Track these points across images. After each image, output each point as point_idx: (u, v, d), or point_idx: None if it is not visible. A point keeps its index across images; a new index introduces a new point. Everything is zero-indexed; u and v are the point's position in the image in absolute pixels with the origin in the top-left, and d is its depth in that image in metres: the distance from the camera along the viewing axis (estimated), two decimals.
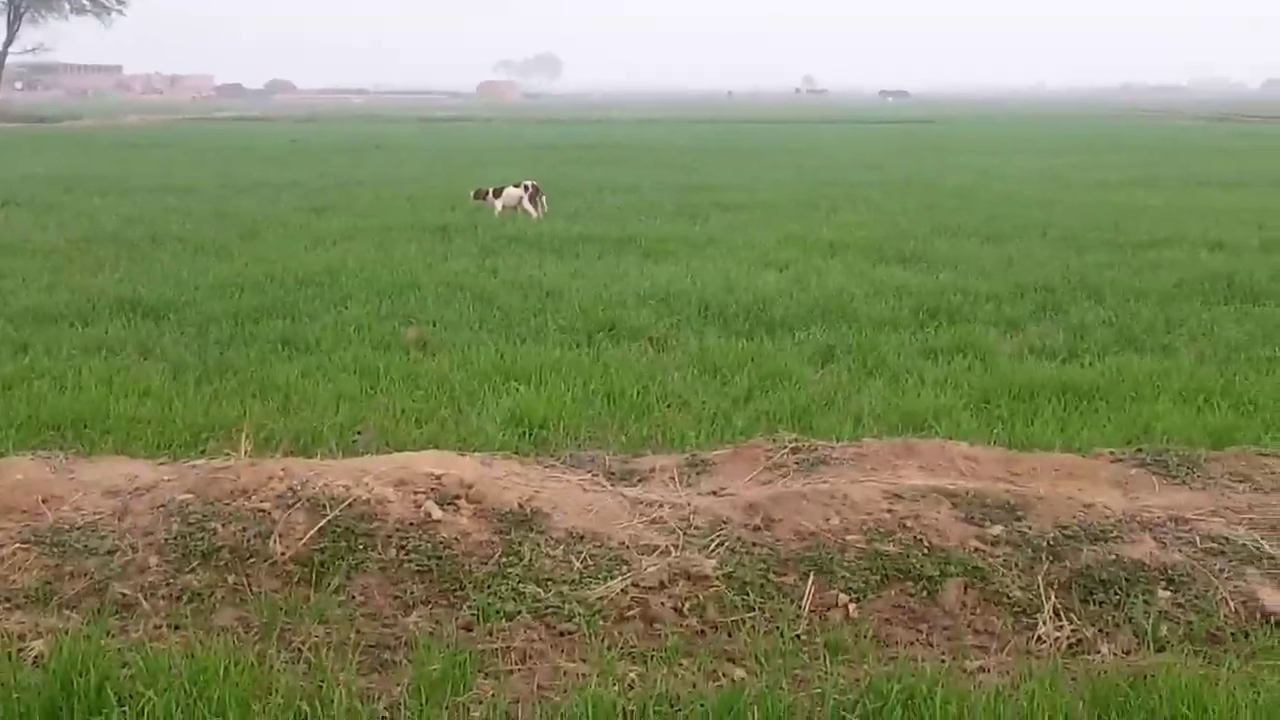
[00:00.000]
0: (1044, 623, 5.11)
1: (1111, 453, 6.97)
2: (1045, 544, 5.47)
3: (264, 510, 5.62)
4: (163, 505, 5.73)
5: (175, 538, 5.51)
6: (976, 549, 5.46)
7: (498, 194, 19.87)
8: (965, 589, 5.29)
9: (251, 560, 5.41)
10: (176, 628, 5.05)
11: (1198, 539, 5.53)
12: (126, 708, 4.31)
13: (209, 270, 14.29)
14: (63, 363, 9.53)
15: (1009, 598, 5.24)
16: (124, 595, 5.25)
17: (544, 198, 19.97)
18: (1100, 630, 5.09)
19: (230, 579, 5.34)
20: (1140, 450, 7.02)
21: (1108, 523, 5.63)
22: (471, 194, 20.46)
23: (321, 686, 4.54)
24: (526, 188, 19.83)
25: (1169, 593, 5.21)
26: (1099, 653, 4.95)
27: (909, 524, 5.59)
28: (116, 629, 5.01)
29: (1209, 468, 6.67)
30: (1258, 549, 5.45)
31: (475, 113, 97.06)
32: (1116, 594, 5.21)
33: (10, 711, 4.30)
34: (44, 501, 5.81)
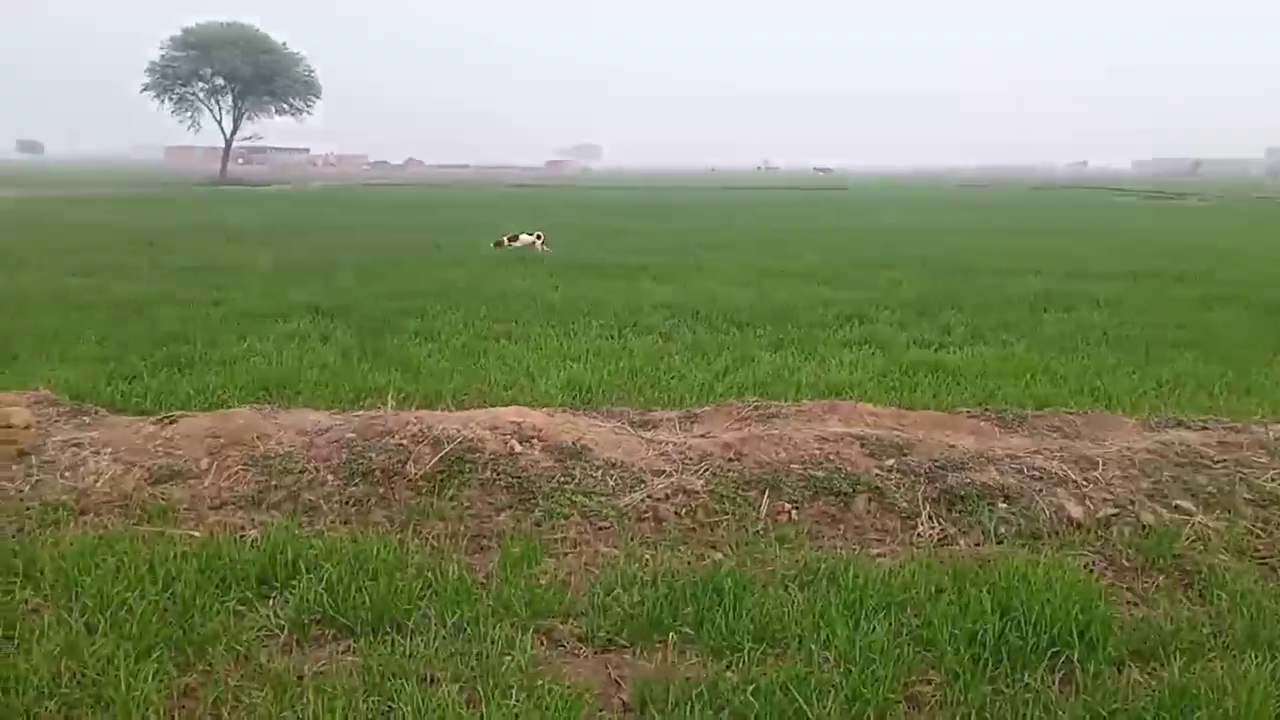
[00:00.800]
0: (922, 524, 5.11)
1: (968, 411, 6.95)
2: (923, 471, 5.46)
3: (403, 444, 5.64)
4: (336, 441, 5.75)
5: (344, 463, 5.53)
6: (877, 474, 5.45)
7: (514, 240, 19.64)
8: (869, 501, 5.29)
9: (395, 478, 5.43)
10: (345, 523, 5.08)
11: (1025, 469, 5.51)
12: (312, 575, 4.34)
13: (367, 285, 14.30)
14: (270, 345, 9.55)
15: (899, 507, 5.24)
16: (310, 501, 5.28)
17: (542, 243, 19.43)
18: (960, 530, 5.08)
19: (380, 490, 5.36)
20: (987, 409, 7.00)
21: (965, 457, 5.61)
22: (493, 244, 19.96)
23: (441, 562, 4.58)
24: (538, 236, 19.64)
25: (1005, 505, 5.20)
26: (959, 545, 4.95)
27: (832, 457, 5.58)
28: (305, 523, 5.04)
29: (1034, 422, 6.65)
30: (1065, 476, 5.44)
31: (544, 183, 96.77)
32: (971, 505, 5.20)
33: (235, 576, 4.34)
34: (257, 438, 5.84)
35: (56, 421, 6.28)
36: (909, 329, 11.15)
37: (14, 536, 4.83)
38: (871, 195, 64.18)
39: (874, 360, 9.34)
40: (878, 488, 5.36)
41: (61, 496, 5.24)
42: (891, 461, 5.57)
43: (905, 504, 5.26)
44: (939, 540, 5.01)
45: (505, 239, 19.73)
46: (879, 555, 4.83)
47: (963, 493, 5.28)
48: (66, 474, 5.47)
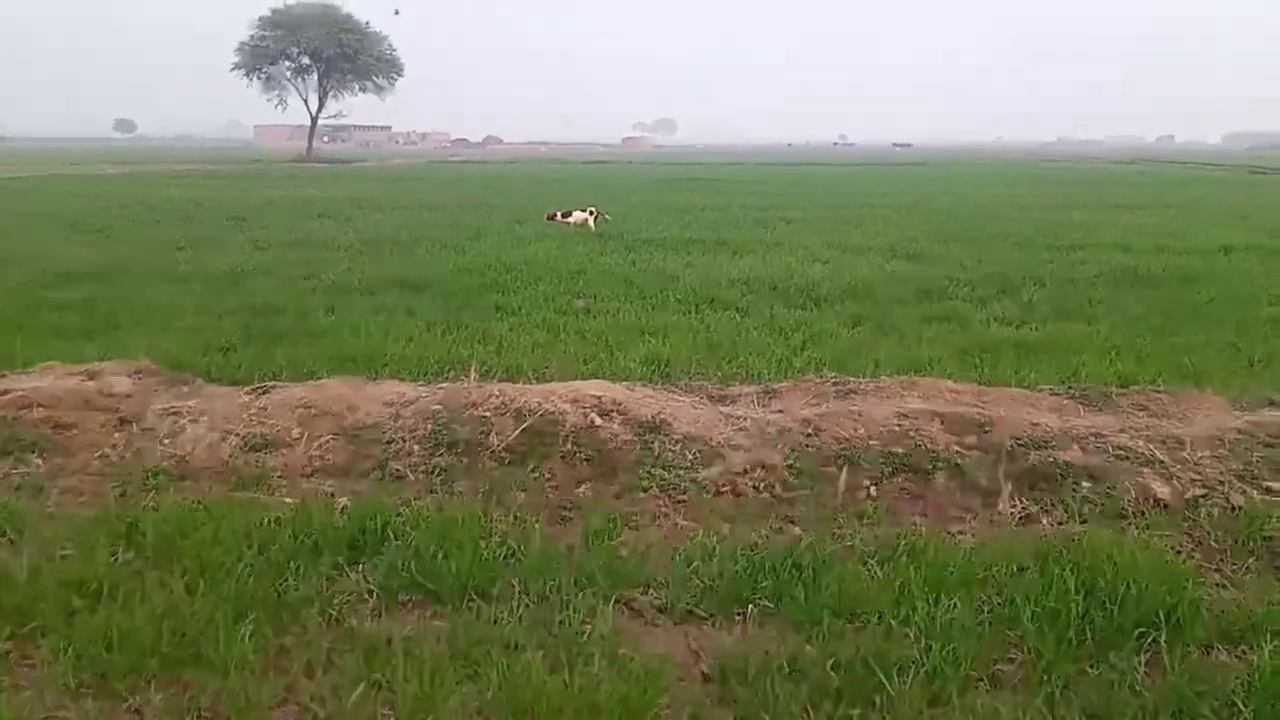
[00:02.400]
0: (1003, 503, 5.04)
1: (1051, 389, 6.80)
2: (1004, 449, 5.37)
3: (486, 417, 5.70)
4: (421, 412, 5.84)
5: (429, 433, 5.62)
6: (957, 451, 5.38)
7: (567, 215, 19.54)
8: (949, 478, 5.23)
9: (478, 449, 5.50)
10: (431, 492, 5.17)
11: (1110, 448, 5.39)
12: (400, 542, 4.43)
13: (449, 260, 14.46)
14: (357, 318, 9.71)
15: (979, 485, 5.17)
16: (397, 470, 5.38)
17: (594, 219, 19.14)
18: (1042, 508, 5.00)
19: (465, 461, 5.44)
20: (1071, 387, 6.84)
21: (1048, 435, 5.51)
22: (545, 216, 19.91)
23: (524, 532, 4.64)
24: (592, 211, 19.53)
25: (1089, 484, 5.10)
26: (1041, 524, 4.88)
27: (911, 434, 5.52)
28: (393, 492, 5.14)
29: (1118, 400, 6.48)
30: (1151, 455, 5.30)
31: (620, 158, 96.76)
32: (1053, 484, 5.12)
33: (327, 542, 4.44)
34: (347, 408, 5.95)
35: (156, 390, 6.46)
36: (990, 305, 10.95)
37: (117, 501, 5.00)
38: (952, 170, 63.07)
39: (954, 337, 9.19)
40: (958, 465, 5.29)
41: (161, 463, 5.41)
42: (972, 439, 5.49)
43: (986, 482, 5.18)
44: (1021, 519, 4.93)
45: (558, 214, 19.67)
46: (960, 533, 4.78)
47: (1045, 471, 5.19)
48: (166, 441, 5.64)
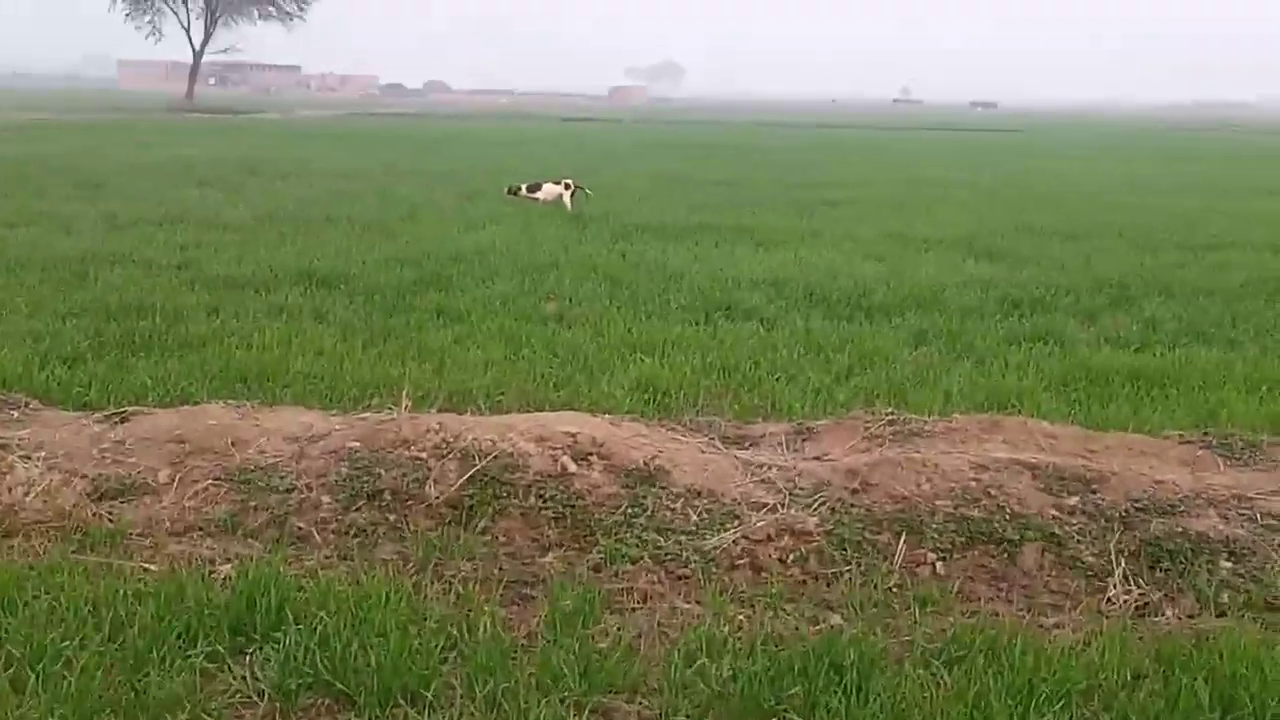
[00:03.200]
0: (1114, 586, 5.04)
1: (1180, 435, 6.84)
2: (1117, 515, 5.39)
3: (421, 459, 5.71)
4: (334, 451, 5.84)
5: (344, 480, 5.62)
6: (1054, 517, 5.40)
7: (534, 189, 19.58)
8: (1043, 553, 5.24)
9: (410, 502, 5.50)
10: (344, 558, 5.16)
11: (1258, 515, 5.41)
12: (301, 626, 4.41)
13: (374, 247, 14.50)
14: (249, 324, 9.72)
15: (1082, 562, 5.18)
16: (300, 528, 5.37)
17: (571, 194, 19.29)
18: (1166, 595, 5.01)
19: (391, 518, 5.44)
20: (1207, 433, 6.88)
21: (1175, 498, 5.53)
22: (505, 190, 19.96)
23: (469, 615, 4.63)
24: (568, 185, 19.61)
25: (1230, 563, 5.11)
26: (1164, 615, 4.88)
27: (993, 492, 5.54)
28: (293, 557, 5.13)
29: (1271, 451, 6.52)
30: None
31: (607, 114, 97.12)
32: (1182, 563, 5.12)
33: (203, 623, 4.42)
34: (233, 444, 5.95)
35: None
36: (1099, 321, 10.99)
37: None
38: (1049, 140, 63.43)
39: (1051, 362, 9.22)
40: (1055, 535, 5.29)
41: None
42: (1074, 500, 5.50)
43: (1092, 558, 5.19)
44: (1137, 608, 4.93)
45: (523, 187, 19.68)
46: (1055, 626, 4.77)
47: (1171, 545, 5.20)
48: None
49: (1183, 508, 5.45)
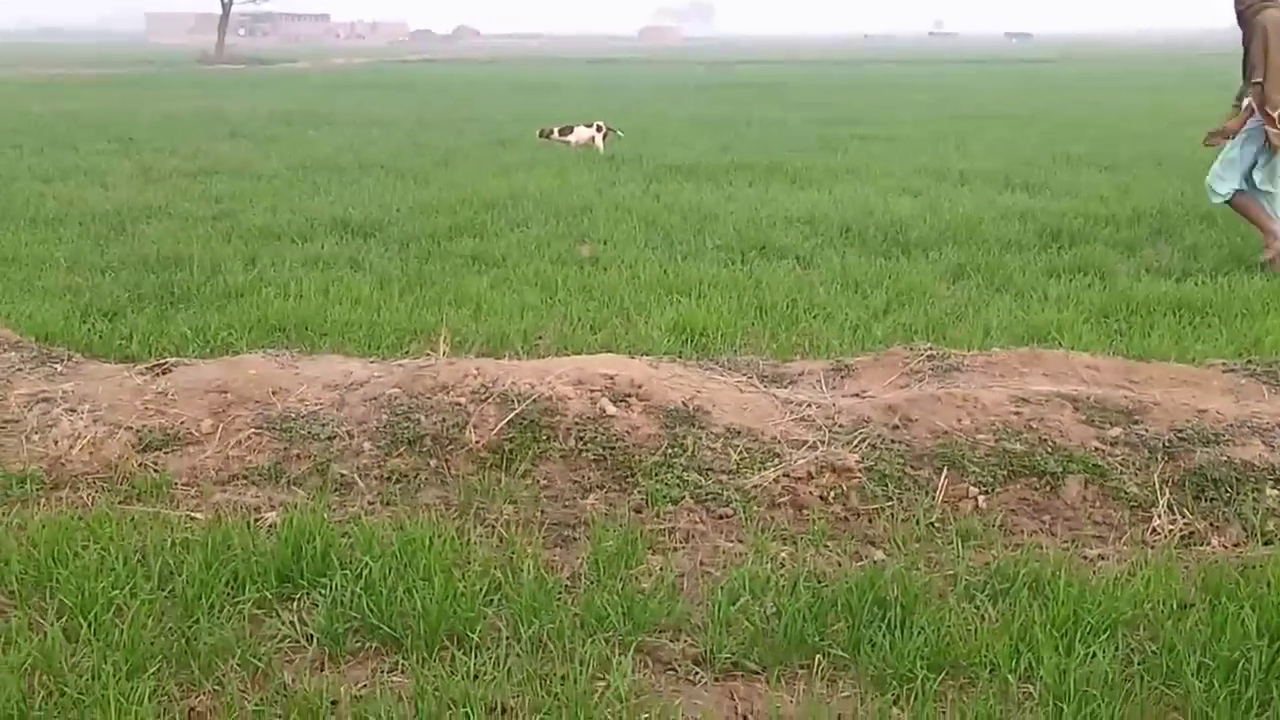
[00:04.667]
0: (1158, 516, 5.02)
1: (1223, 363, 6.78)
2: (1161, 445, 5.36)
3: (460, 404, 5.72)
4: (374, 398, 5.87)
5: (385, 426, 5.64)
6: (1096, 449, 5.37)
7: (566, 132, 19.54)
8: (1085, 485, 5.22)
9: (450, 447, 5.52)
10: (387, 504, 5.20)
11: None
12: (347, 571, 4.45)
13: (408, 194, 14.50)
14: (286, 273, 9.75)
15: (1126, 493, 5.16)
16: (342, 475, 5.40)
17: (604, 137, 19.29)
18: (1211, 524, 4.99)
19: (432, 463, 5.47)
20: (1250, 362, 6.81)
21: (1219, 427, 5.48)
22: (538, 134, 19.98)
23: (512, 558, 4.65)
24: (600, 127, 19.52)
25: (1276, 491, 5.07)
26: (1210, 545, 4.86)
27: (1034, 425, 5.51)
28: (336, 504, 5.17)
29: None
30: None
31: (637, 55, 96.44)
32: (1227, 492, 5.10)
33: (250, 570, 4.47)
34: (273, 393, 5.98)
35: (19, 370, 6.51)
36: (1139, 252, 10.88)
37: None
38: (1086, 70, 62.64)
39: (1091, 294, 9.15)
40: (1097, 466, 5.28)
41: (29, 466, 5.45)
42: (1117, 431, 5.47)
43: (1136, 489, 5.17)
44: (1182, 538, 4.92)
45: (555, 131, 19.65)
46: (1099, 558, 4.77)
47: (1215, 475, 5.17)
48: (34, 437, 5.68)
49: (1227, 436, 5.41)
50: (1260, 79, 9.69)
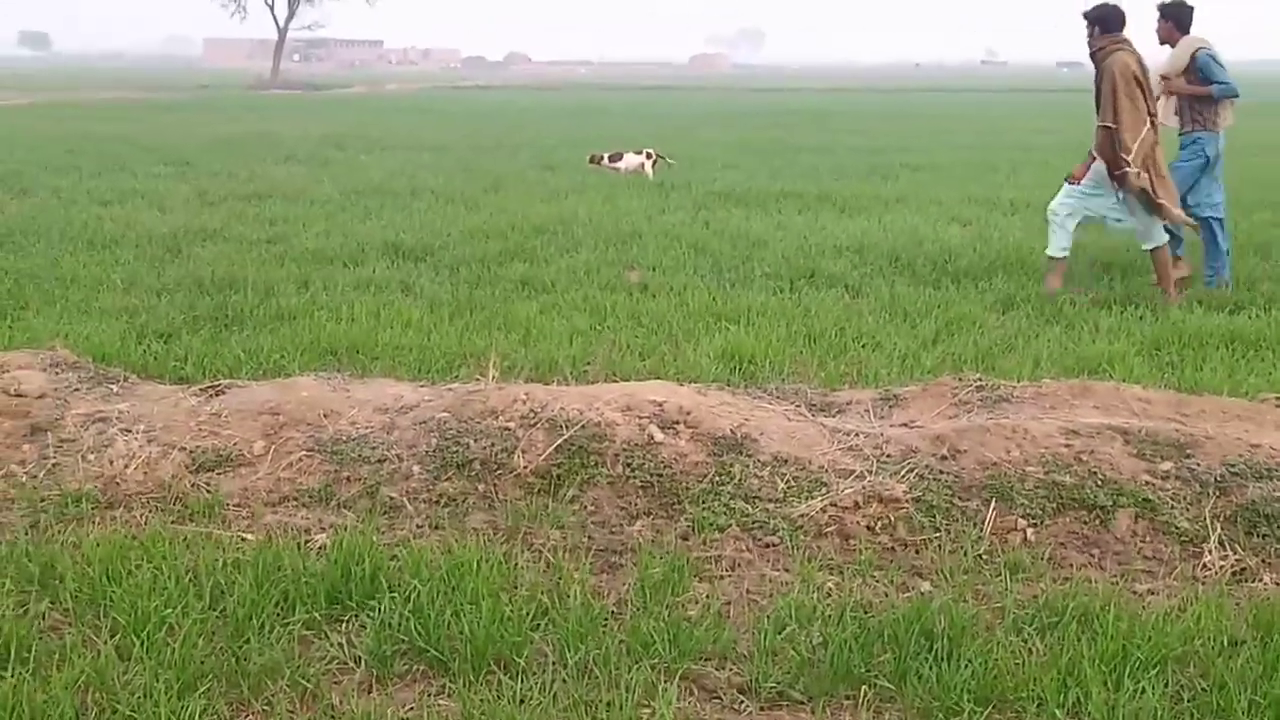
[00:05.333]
0: (1210, 552, 4.98)
1: (1277, 397, 6.70)
2: (1213, 480, 5.31)
3: (509, 428, 5.75)
4: (424, 422, 5.90)
5: (434, 450, 5.67)
6: (1147, 482, 5.33)
7: (616, 159, 19.57)
8: (1135, 519, 5.18)
9: (498, 471, 5.54)
10: (435, 527, 5.23)
11: None
12: (395, 594, 4.48)
13: (459, 219, 14.59)
14: (338, 297, 9.85)
15: (1177, 528, 5.12)
16: (391, 498, 5.44)
17: (653, 164, 19.31)
18: (1263, 560, 4.94)
19: (480, 487, 5.49)
20: None
21: (1273, 462, 5.43)
22: (588, 159, 20.03)
23: (559, 583, 4.67)
24: (649, 154, 19.54)
25: None
26: (1262, 581, 4.82)
27: (1084, 458, 5.48)
28: (385, 527, 5.21)
29: None
30: None
31: (686, 82, 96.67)
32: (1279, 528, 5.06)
33: (300, 592, 4.51)
34: (325, 416, 6.03)
35: (76, 390, 6.59)
36: (1193, 283, 10.78)
37: (27, 534, 5.10)
38: None
39: (1142, 326, 9.09)
40: (1148, 500, 5.23)
41: (85, 485, 5.52)
42: (1168, 465, 5.43)
43: (1187, 524, 5.12)
44: (1233, 574, 4.88)
45: (605, 157, 19.68)
46: (1149, 593, 4.73)
47: (1268, 510, 5.13)
48: (90, 456, 5.75)
49: None
50: (1108, 123, 9.81)
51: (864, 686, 4.02)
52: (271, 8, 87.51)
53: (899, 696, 3.99)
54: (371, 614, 4.39)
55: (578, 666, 4.11)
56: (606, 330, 8.87)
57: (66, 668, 3.99)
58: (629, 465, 5.52)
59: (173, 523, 5.22)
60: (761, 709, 3.98)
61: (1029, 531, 5.14)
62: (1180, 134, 10.71)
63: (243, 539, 5.05)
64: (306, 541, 5.02)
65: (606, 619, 4.43)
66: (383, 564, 4.69)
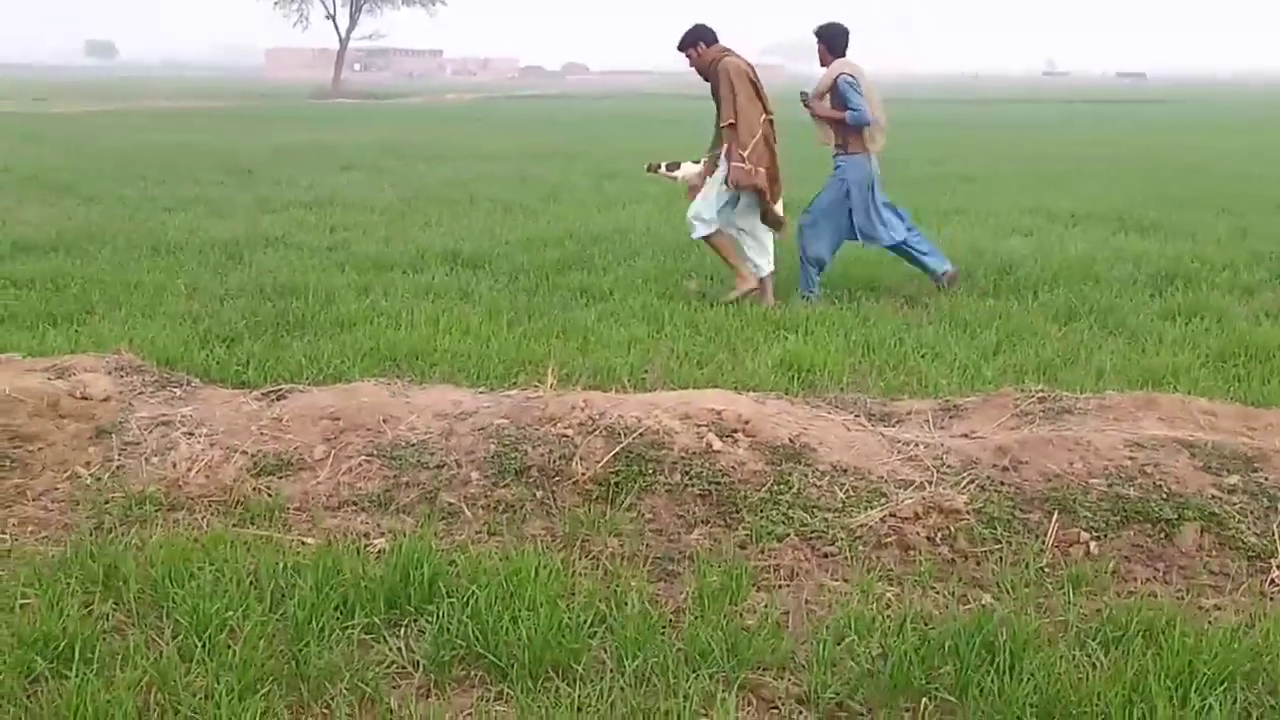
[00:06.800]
0: (1277, 567, 4.89)
1: None
2: None
3: (567, 435, 5.74)
4: (482, 428, 5.91)
5: (492, 456, 5.68)
6: (1214, 496, 5.25)
7: (674, 168, 19.45)
8: (1202, 532, 5.10)
9: (556, 479, 5.54)
10: (493, 534, 5.23)
11: None
12: (454, 599, 4.48)
13: (517, 227, 14.66)
14: (398, 303, 9.90)
15: (1244, 543, 5.03)
16: (450, 504, 5.45)
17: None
18: None
19: (538, 494, 5.49)
20: None
21: None
22: (645, 168, 20.00)
23: (616, 590, 4.65)
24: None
25: None
26: None
27: (1149, 470, 5.40)
28: (444, 532, 5.21)
29: None
30: None
31: None
32: None
33: (359, 596, 4.52)
34: (384, 421, 6.06)
35: (141, 393, 6.67)
36: (1258, 295, 10.67)
37: (92, 535, 5.16)
38: (1200, 110, 61.58)
39: (1208, 338, 8.98)
40: (1214, 514, 5.15)
41: (149, 487, 5.57)
42: (1235, 479, 5.35)
43: (1254, 538, 5.04)
44: None
45: (663, 165, 19.63)
46: (1215, 608, 4.65)
47: None
48: (154, 459, 5.81)
49: None
50: (731, 120, 10.05)
51: (924, 698, 3.98)
52: (333, 18, 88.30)
53: (959, 709, 3.94)
54: (430, 619, 4.40)
55: (635, 674, 4.09)
56: (664, 338, 8.87)
57: (129, 668, 4.03)
58: (687, 473, 5.50)
59: (234, 526, 5.25)
60: (821, 719, 3.96)
61: (1092, 544, 5.07)
62: (833, 155, 10.91)
63: (303, 543, 5.09)
64: (366, 546, 5.04)
65: (664, 627, 4.42)
66: (441, 569, 4.70)
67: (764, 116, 10.20)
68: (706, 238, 10.52)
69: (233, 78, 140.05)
